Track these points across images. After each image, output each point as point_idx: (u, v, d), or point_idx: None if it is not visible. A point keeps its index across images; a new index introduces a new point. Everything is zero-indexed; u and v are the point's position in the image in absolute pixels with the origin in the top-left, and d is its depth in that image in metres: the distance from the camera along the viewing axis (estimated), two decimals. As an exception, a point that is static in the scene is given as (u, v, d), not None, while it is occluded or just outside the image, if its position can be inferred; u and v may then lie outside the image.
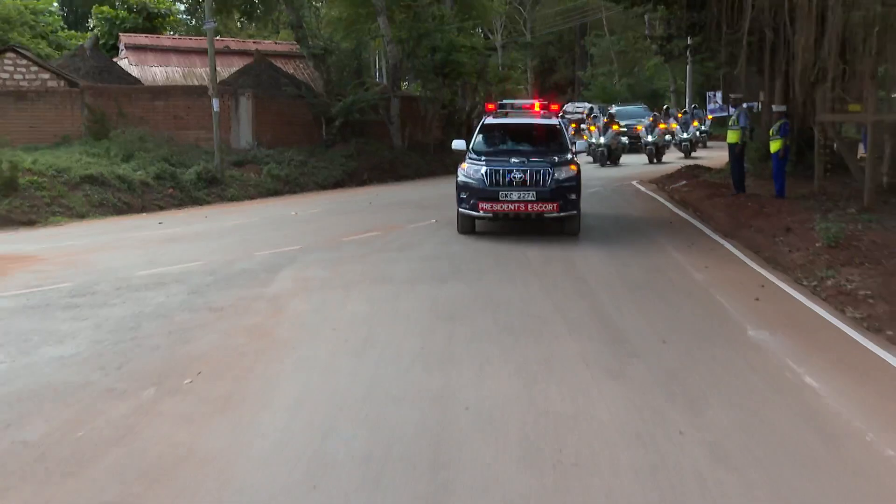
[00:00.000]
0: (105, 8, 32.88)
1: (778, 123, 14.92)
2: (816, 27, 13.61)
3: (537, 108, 13.96)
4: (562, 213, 11.80)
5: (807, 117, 15.92)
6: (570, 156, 12.54)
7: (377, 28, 26.58)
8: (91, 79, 23.90)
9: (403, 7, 26.40)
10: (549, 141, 13.03)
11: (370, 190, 21.33)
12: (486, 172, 11.76)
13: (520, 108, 14.26)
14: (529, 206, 11.68)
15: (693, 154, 29.17)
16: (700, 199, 16.32)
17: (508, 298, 8.63)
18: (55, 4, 34.11)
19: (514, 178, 11.65)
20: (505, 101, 14.74)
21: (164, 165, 18.91)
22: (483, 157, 12.24)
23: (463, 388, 5.83)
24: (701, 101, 38.02)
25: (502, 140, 13.20)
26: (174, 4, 35.24)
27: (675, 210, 16.11)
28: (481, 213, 11.88)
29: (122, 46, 30.14)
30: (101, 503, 4.22)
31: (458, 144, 13.43)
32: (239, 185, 20.19)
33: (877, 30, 11.84)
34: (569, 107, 38.02)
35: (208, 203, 18.72)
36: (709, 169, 21.21)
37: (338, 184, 22.33)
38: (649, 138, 27.64)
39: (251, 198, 19.79)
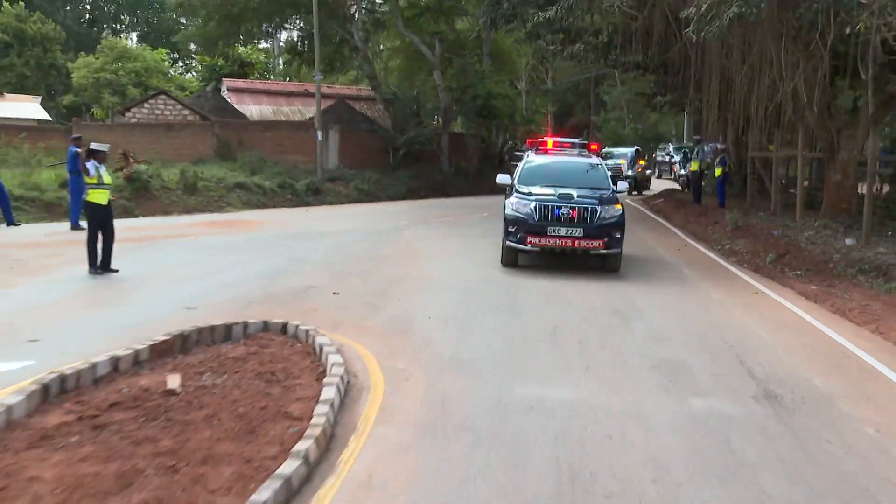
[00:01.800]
0: (208, 58, 40.58)
1: (720, 157, 21.88)
2: (747, 94, 20.52)
3: (594, 147, 15.17)
4: (607, 251, 11.88)
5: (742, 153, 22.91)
6: (614, 194, 12.66)
7: (433, 80, 33.85)
8: (214, 114, 31.27)
9: (452, 64, 33.69)
10: (591, 179, 13.02)
11: (429, 201, 28.31)
12: (535, 207, 11.78)
13: (561, 145, 14.89)
14: (577, 242, 11.70)
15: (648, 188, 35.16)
16: (668, 209, 23.28)
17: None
18: (166, 54, 41.69)
19: (563, 214, 11.68)
20: (547, 139, 15.38)
21: (283, 178, 26.03)
22: (531, 193, 12.25)
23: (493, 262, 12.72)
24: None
25: (546, 176, 13.03)
26: (260, 56, 43.14)
27: (650, 214, 23.04)
28: (529, 247, 11.91)
29: (224, 88, 37.56)
30: (378, 289, 11.09)
31: (502, 179, 13.74)
32: (333, 195, 27.27)
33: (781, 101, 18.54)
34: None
35: (315, 205, 25.74)
36: (682, 191, 28.21)
37: (403, 196, 29.33)
38: (629, 172, 33.54)
39: (343, 203, 26.82)
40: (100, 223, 10.91)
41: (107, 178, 11.07)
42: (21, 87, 42.34)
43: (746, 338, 8.66)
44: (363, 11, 32.92)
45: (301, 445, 5.03)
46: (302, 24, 34.27)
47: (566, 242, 11.76)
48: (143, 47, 37.79)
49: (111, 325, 8.24)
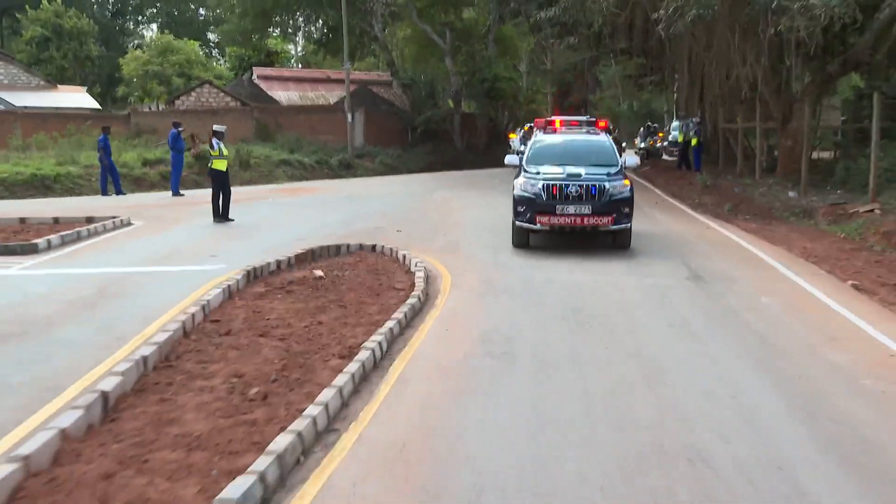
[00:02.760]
0: (236, 49, 44.35)
1: (695, 129, 25.66)
2: (714, 76, 24.28)
3: (602, 125, 15.18)
4: (616, 227, 11.85)
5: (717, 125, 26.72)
6: (621, 170, 12.58)
7: (445, 65, 37.61)
8: (250, 100, 35.06)
9: (462, 50, 37.44)
10: (599, 156, 12.88)
11: (446, 173, 32.06)
12: (543, 187, 11.74)
13: (569, 123, 14.95)
14: (585, 220, 11.67)
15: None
16: (653, 174, 27.09)
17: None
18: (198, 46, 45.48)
19: (571, 192, 11.65)
20: (555, 118, 15.48)
21: (319, 155, 29.85)
22: (539, 173, 12.16)
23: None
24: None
25: (555, 155, 12.90)
26: (286, 45, 47.05)
27: (638, 179, 26.85)
28: (539, 227, 11.86)
29: (255, 76, 41.28)
30: (428, 228, 14.91)
31: (510, 160, 13.99)
32: (362, 169, 31.11)
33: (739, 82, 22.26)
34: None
35: (348, 178, 29.54)
36: (668, 160, 32.05)
37: (422, 170, 33.11)
38: (642, 144, 37.58)
39: (371, 176, 30.61)
40: (220, 185, 14.76)
41: (226, 152, 14.92)
42: (61, 79, 45.87)
43: (691, 249, 12.53)
44: (381, 5, 36.61)
45: (412, 298, 8.87)
46: (325, 18, 37.96)
47: (575, 220, 11.69)
48: (185, 41, 41.59)
49: (254, 248, 12.07)
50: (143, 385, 6.18)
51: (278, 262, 10.66)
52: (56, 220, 14.20)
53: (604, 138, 13.86)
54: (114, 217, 14.45)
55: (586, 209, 11.69)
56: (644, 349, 7.35)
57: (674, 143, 29.32)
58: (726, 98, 23.13)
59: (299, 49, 52.44)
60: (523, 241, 12.41)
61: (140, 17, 65.21)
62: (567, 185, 11.77)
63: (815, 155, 25.20)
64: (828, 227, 14.77)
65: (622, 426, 5.53)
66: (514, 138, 31.48)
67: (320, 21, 38.89)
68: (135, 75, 40.37)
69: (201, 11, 64.14)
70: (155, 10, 64.99)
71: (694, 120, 26.24)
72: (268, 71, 41.97)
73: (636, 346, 7.43)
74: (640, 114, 56.08)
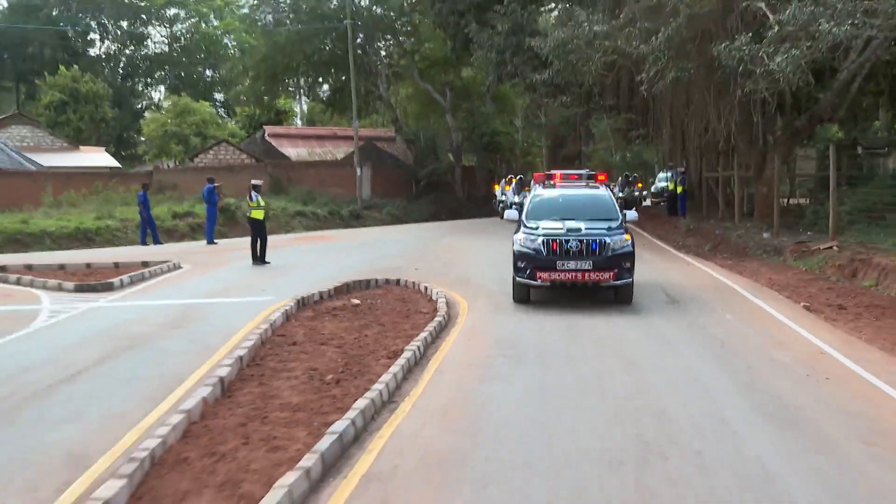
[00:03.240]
0: (247, 108, 46.98)
1: (680, 177, 27.89)
2: (693, 131, 26.55)
3: (601, 178, 15.14)
4: (618, 282, 11.70)
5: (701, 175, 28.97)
6: (622, 224, 12.39)
7: (445, 122, 40.10)
8: (263, 156, 37.44)
9: (462, 107, 39.98)
10: (599, 210, 12.70)
11: (449, 222, 34.18)
12: (542, 242, 11.63)
13: (568, 177, 14.99)
14: (586, 276, 11.53)
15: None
16: (642, 220, 29.17)
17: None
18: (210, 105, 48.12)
19: (571, 247, 11.50)
20: (554, 172, 15.55)
21: (330, 206, 32.03)
22: (538, 227, 12.02)
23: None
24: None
25: (554, 210, 12.73)
26: (293, 105, 49.96)
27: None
28: (539, 283, 11.72)
29: (266, 134, 43.69)
30: (441, 266, 16.96)
31: (510, 215, 14.05)
32: (371, 219, 33.29)
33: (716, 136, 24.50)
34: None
35: (358, 227, 31.63)
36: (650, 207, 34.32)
37: (426, 219, 35.26)
38: (620, 194, 39.69)
39: (379, 225, 32.73)
40: (258, 232, 16.82)
41: (262, 203, 16.99)
42: (78, 140, 48.23)
43: (670, 281, 14.55)
44: (385, 66, 39.22)
45: (437, 318, 10.85)
46: (332, 80, 40.60)
47: (576, 276, 11.52)
48: (200, 103, 44.31)
49: (295, 284, 14.03)
50: (242, 377, 8.12)
51: (321, 293, 12.65)
52: (116, 265, 16.21)
53: (604, 192, 13.63)
54: (166, 261, 16.45)
55: (587, 265, 11.52)
56: (624, 350, 9.34)
57: (662, 192, 31.55)
58: (705, 150, 25.32)
59: (304, 107, 55.36)
60: (523, 296, 12.20)
61: (148, 80, 68.04)
62: (567, 241, 11.60)
63: (792, 201, 27.46)
64: (793, 262, 16.81)
65: (605, 398, 7.48)
66: (499, 189, 32.27)
67: (328, 83, 41.49)
68: (155, 135, 42.91)
69: (207, 73, 67.02)
70: (163, 73, 67.82)
71: (679, 170, 28.48)
72: (278, 129, 44.45)
73: (618, 349, 9.41)
74: (632, 165, 58.43)
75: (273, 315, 10.73)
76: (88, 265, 16.28)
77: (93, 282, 13.97)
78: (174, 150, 41.10)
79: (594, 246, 11.59)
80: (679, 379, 8.11)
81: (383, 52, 39.21)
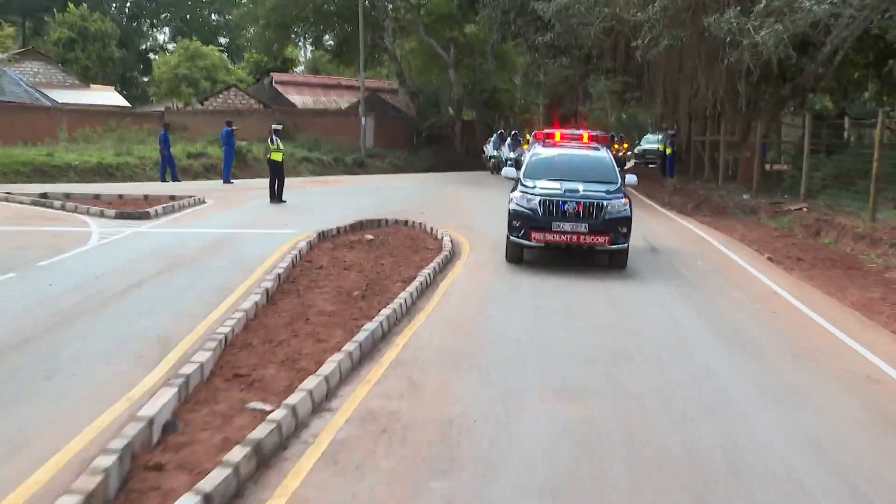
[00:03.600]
0: (254, 55, 47.92)
1: (669, 139, 29.29)
2: (689, 93, 27.84)
3: (586, 139, 14.48)
4: (613, 247, 11.55)
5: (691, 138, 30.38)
6: (621, 188, 12.19)
7: (448, 76, 41.23)
8: (271, 103, 38.51)
9: (464, 63, 41.10)
10: (598, 172, 12.50)
11: (448, 173, 35.43)
12: (539, 203, 11.43)
13: (576, 137, 14.65)
14: (581, 238, 11.35)
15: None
16: (633, 179, 30.68)
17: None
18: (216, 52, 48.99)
19: (568, 209, 11.32)
20: (555, 130, 15.25)
21: (335, 154, 33.33)
22: (536, 187, 11.85)
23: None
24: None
25: (553, 170, 12.49)
26: (300, 53, 50.90)
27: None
28: (533, 243, 11.57)
29: (273, 80, 44.71)
30: (445, 213, 18.43)
31: (508, 172, 13.53)
32: (374, 167, 34.62)
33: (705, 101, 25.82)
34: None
35: (362, 174, 32.93)
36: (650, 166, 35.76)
37: (426, 170, 36.55)
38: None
39: (381, 174, 34.04)
40: (277, 172, 18.21)
41: (281, 146, 18.35)
42: (86, 78, 49.14)
43: (653, 233, 16.06)
44: (392, 20, 40.20)
45: (444, 252, 12.32)
46: (340, 31, 41.57)
47: (571, 238, 11.34)
48: (210, 48, 45.31)
49: (313, 221, 15.43)
50: (282, 290, 9.62)
51: (338, 229, 14.13)
52: (146, 197, 17.62)
53: (604, 153, 13.37)
54: (192, 196, 17.85)
55: (583, 227, 11.30)
56: (606, 287, 10.86)
57: (645, 154, 33.02)
58: (694, 114, 26.68)
59: (308, 55, 56.32)
60: (516, 256, 12.05)
61: (154, 21, 68.53)
62: (564, 202, 11.37)
63: (777, 167, 28.93)
64: (767, 220, 18.33)
65: (587, 319, 9.03)
66: (489, 145, 32.62)
67: (335, 33, 42.45)
68: (165, 77, 43.93)
69: (213, 17, 67.55)
70: (168, 15, 68.31)
71: (669, 132, 29.86)
72: (285, 77, 45.45)
73: (602, 285, 10.93)
74: (627, 125, 59.68)
75: (299, 244, 12.19)
76: (121, 196, 17.67)
77: (131, 210, 15.39)
78: (185, 92, 42.14)
79: (591, 208, 11.36)
80: (651, 308, 9.65)
81: (390, 6, 40.11)
